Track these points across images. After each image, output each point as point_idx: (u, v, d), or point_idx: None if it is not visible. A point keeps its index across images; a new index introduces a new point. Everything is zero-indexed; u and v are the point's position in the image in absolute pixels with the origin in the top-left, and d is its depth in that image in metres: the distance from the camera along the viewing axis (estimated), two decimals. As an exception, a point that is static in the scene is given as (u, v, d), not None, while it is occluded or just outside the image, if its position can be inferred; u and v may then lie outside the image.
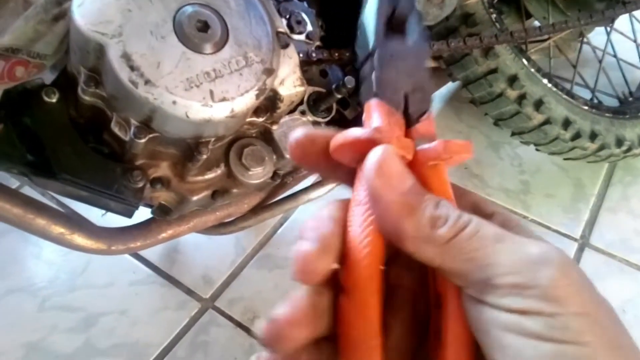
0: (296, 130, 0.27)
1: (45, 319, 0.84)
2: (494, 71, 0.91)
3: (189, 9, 0.46)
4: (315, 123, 0.59)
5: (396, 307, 0.27)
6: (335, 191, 0.74)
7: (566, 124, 0.95)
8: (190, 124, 0.46)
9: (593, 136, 0.97)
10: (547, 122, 0.94)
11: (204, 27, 0.46)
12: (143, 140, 0.47)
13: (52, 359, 0.80)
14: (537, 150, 1.04)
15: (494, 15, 0.92)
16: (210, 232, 0.73)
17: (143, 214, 0.59)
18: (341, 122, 0.63)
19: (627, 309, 0.90)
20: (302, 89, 0.54)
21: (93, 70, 0.46)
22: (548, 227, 1.02)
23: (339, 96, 0.57)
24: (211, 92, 0.45)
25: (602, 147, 0.99)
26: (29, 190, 0.81)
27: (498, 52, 0.90)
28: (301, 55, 0.56)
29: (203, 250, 0.95)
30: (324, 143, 0.27)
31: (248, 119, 0.53)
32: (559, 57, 1.12)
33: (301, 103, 0.57)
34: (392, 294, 0.27)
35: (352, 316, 0.24)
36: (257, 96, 0.48)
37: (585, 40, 1.14)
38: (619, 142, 1.00)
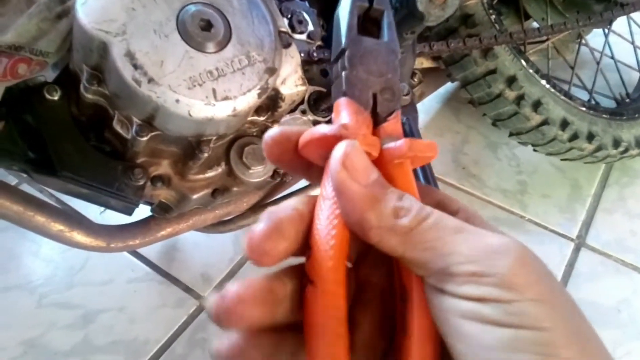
0: (271, 129, 0.27)
1: (43, 316, 0.84)
2: (492, 72, 0.91)
3: (192, 8, 0.46)
4: (315, 122, 0.59)
5: (365, 304, 0.27)
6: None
7: (564, 124, 0.95)
8: (193, 123, 0.46)
9: (590, 137, 0.98)
10: (545, 122, 0.94)
11: (207, 26, 0.46)
12: (145, 139, 0.47)
13: (50, 355, 0.80)
14: (534, 150, 1.04)
15: (493, 17, 0.92)
16: (209, 230, 0.74)
17: (142, 211, 0.59)
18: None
19: (622, 309, 0.90)
20: (303, 88, 0.54)
21: (96, 68, 0.46)
22: (545, 227, 1.03)
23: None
24: (214, 91, 0.45)
25: (599, 148, 0.99)
26: (27, 188, 0.81)
27: (497, 53, 0.90)
28: (302, 54, 0.56)
29: (202, 249, 0.95)
30: (297, 141, 0.27)
31: (249, 118, 0.53)
32: (557, 58, 1.13)
33: (302, 102, 0.58)
34: (360, 291, 0.28)
35: (317, 304, 0.24)
36: (259, 95, 0.48)
37: (583, 41, 1.15)
38: (616, 143, 1.01)
